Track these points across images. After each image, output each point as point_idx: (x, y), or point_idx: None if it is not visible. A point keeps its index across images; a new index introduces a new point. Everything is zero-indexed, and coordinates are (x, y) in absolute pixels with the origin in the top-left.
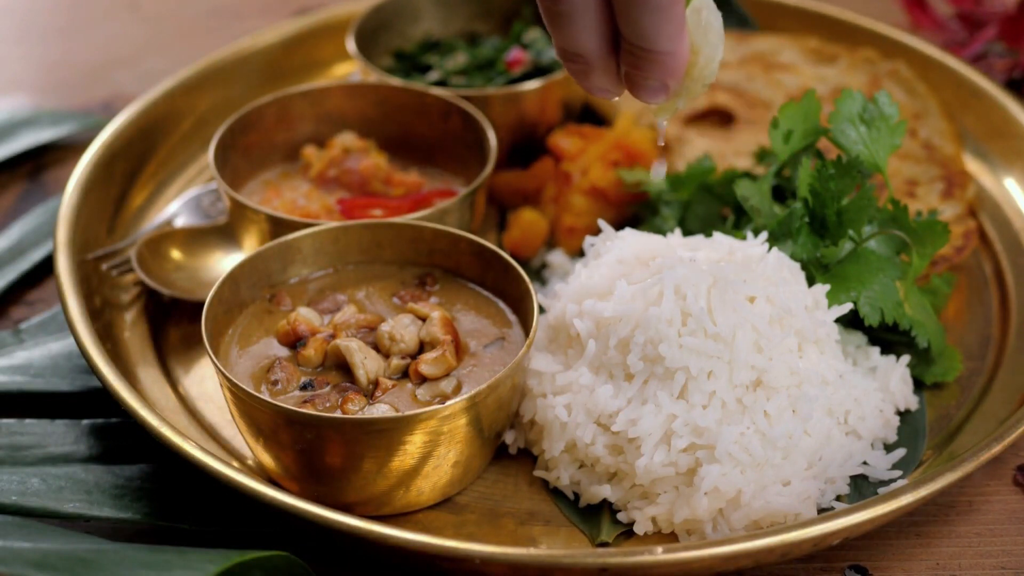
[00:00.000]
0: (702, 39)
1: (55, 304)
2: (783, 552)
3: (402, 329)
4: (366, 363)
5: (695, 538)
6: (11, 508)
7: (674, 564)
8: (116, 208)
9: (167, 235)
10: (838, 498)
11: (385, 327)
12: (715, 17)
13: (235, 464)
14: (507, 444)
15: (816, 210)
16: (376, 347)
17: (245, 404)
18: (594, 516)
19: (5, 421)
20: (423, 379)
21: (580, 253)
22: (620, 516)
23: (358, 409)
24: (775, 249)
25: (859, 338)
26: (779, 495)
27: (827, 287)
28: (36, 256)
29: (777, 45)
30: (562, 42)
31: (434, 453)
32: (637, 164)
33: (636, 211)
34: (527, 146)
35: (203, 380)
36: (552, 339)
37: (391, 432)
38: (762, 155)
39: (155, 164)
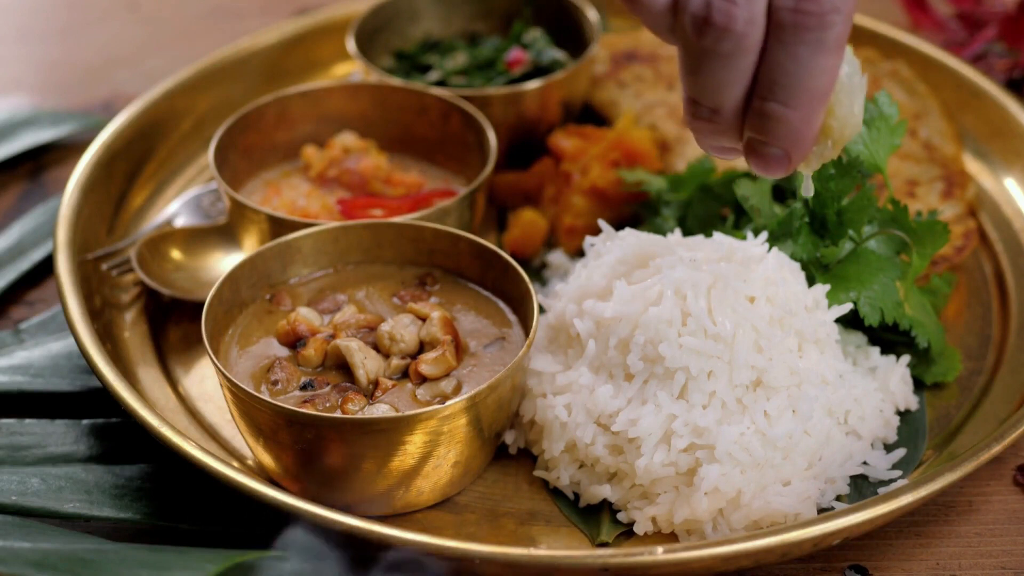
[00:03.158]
0: (841, 95)
1: (55, 304)
2: (783, 552)
3: (402, 329)
4: (366, 363)
5: (695, 538)
6: (11, 508)
7: (674, 564)
8: (116, 208)
9: (167, 235)
10: (838, 498)
11: (385, 327)
12: (857, 72)
13: (235, 464)
14: (507, 444)
15: (816, 210)
16: (376, 347)
17: (245, 404)
18: (594, 516)
19: (5, 421)
20: (423, 379)
21: (580, 253)
22: (620, 516)
23: (358, 409)
24: (775, 249)
25: (859, 338)
26: (779, 495)
27: (827, 287)
28: (36, 256)
29: None
30: (701, 91)
31: (434, 453)
32: (637, 164)
33: (636, 211)
34: (527, 146)
35: (203, 380)
36: (552, 339)
37: (391, 432)
38: None
39: (155, 164)
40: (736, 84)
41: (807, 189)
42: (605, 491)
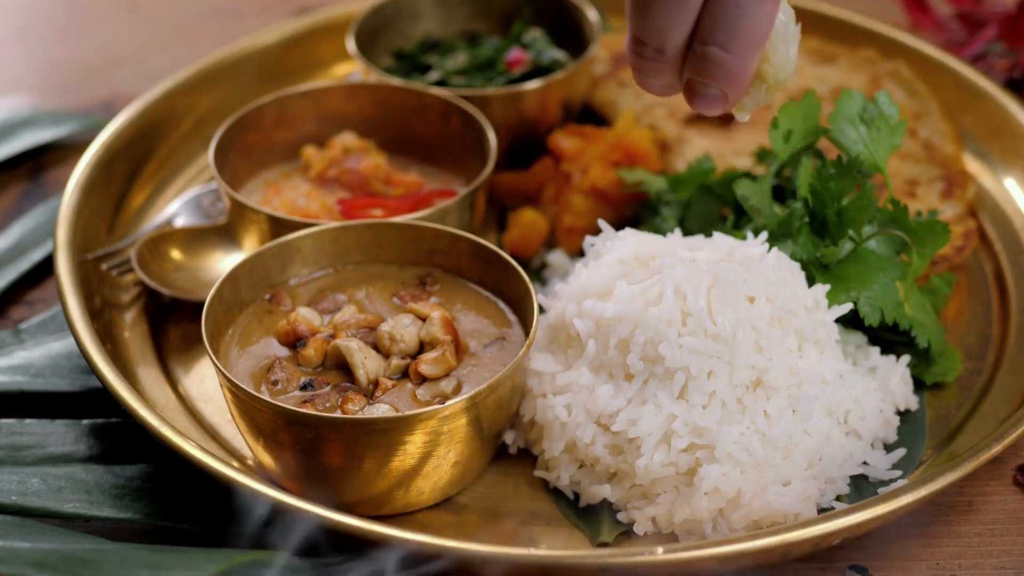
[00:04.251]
0: (777, 42)
1: (55, 304)
2: (783, 552)
3: (402, 329)
4: (366, 363)
5: (695, 538)
6: (11, 508)
7: (674, 564)
8: (116, 208)
9: (167, 235)
10: (838, 498)
11: (385, 327)
12: (792, 22)
13: (235, 464)
14: (507, 444)
15: (816, 210)
16: (376, 347)
17: (245, 404)
18: (594, 516)
19: (5, 421)
20: (423, 379)
21: (580, 253)
22: (620, 516)
23: (358, 409)
24: (775, 249)
25: (859, 338)
26: (779, 495)
27: (827, 287)
28: (36, 256)
29: None
30: (648, 32)
31: (434, 453)
32: (637, 164)
33: (636, 211)
34: (527, 146)
35: (203, 380)
36: (552, 339)
37: (391, 432)
38: (762, 155)
39: (155, 164)
40: (681, 26)
41: (742, 117)
42: (605, 491)
